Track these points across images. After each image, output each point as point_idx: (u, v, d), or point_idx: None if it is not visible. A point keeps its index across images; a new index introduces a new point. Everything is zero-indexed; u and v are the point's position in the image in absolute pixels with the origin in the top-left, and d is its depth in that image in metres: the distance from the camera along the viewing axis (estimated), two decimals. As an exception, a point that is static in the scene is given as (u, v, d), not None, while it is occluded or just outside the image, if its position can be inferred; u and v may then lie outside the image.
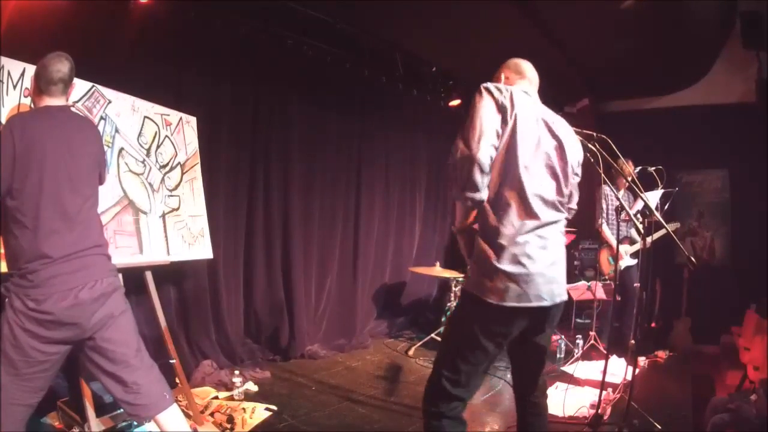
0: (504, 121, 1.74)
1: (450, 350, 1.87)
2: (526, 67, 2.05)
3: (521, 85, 1.96)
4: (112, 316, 1.93)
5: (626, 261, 4.60)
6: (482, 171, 1.69)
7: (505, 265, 1.70)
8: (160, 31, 3.33)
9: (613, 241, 4.68)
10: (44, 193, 1.83)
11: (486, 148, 1.69)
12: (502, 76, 2.03)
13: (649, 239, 4.33)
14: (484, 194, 1.73)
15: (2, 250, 1.93)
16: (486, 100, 1.75)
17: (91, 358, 1.94)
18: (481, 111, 1.74)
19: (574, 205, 2.00)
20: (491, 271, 1.71)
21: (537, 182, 1.77)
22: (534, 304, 1.72)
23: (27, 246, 1.80)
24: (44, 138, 1.86)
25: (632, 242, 4.60)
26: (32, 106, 2.03)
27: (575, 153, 1.96)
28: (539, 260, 1.73)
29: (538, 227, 1.75)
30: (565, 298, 1.86)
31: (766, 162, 4.99)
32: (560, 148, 1.86)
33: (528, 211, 1.74)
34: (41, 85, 1.93)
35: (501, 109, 1.74)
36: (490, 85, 1.79)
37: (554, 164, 1.83)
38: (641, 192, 2.63)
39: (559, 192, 1.84)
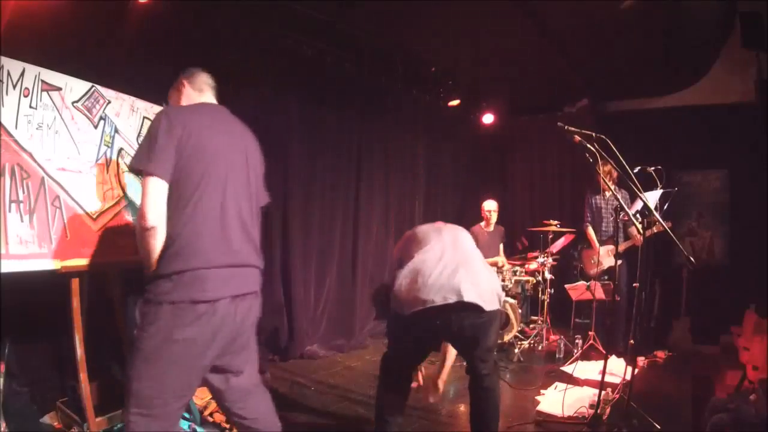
0: None
1: None
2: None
3: None
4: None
5: (608, 261, 4.68)
6: None
7: None
8: (160, 31, 3.33)
9: (596, 243, 4.80)
10: (211, 190, 1.73)
11: None
12: None
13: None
14: None
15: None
16: None
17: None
18: None
19: None
20: None
21: None
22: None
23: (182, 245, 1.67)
24: (209, 131, 1.78)
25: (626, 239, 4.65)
26: (178, 103, 1.96)
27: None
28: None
29: None
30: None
31: (766, 162, 4.99)
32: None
33: None
34: (199, 85, 1.94)
35: None
36: None
37: None
38: (641, 192, 2.63)
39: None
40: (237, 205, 1.80)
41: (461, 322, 2.23)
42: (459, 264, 2.29)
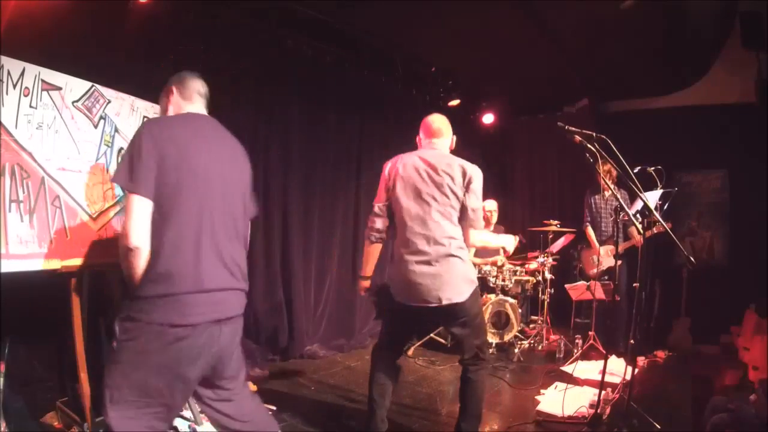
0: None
1: None
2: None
3: None
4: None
5: (608, 261, 4.69)
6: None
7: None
8: (160, 31, 3.33)
9: (596, 243, 4.81)
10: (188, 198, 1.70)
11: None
12: None
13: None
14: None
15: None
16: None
17: None
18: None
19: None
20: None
21: None
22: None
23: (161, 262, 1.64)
24: (193, 146, 1.74)
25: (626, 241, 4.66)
26: (166, 111, 1.93)
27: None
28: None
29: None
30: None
31: (765, 162, 4.99)
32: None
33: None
34: (186, 93, 1.90)
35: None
36: None
37: None
38: (641, 192, 2.63)
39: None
40: (212, 226, 1.75)
41: (443, 310, 2.48)
42: (438, 259, 2.43)
